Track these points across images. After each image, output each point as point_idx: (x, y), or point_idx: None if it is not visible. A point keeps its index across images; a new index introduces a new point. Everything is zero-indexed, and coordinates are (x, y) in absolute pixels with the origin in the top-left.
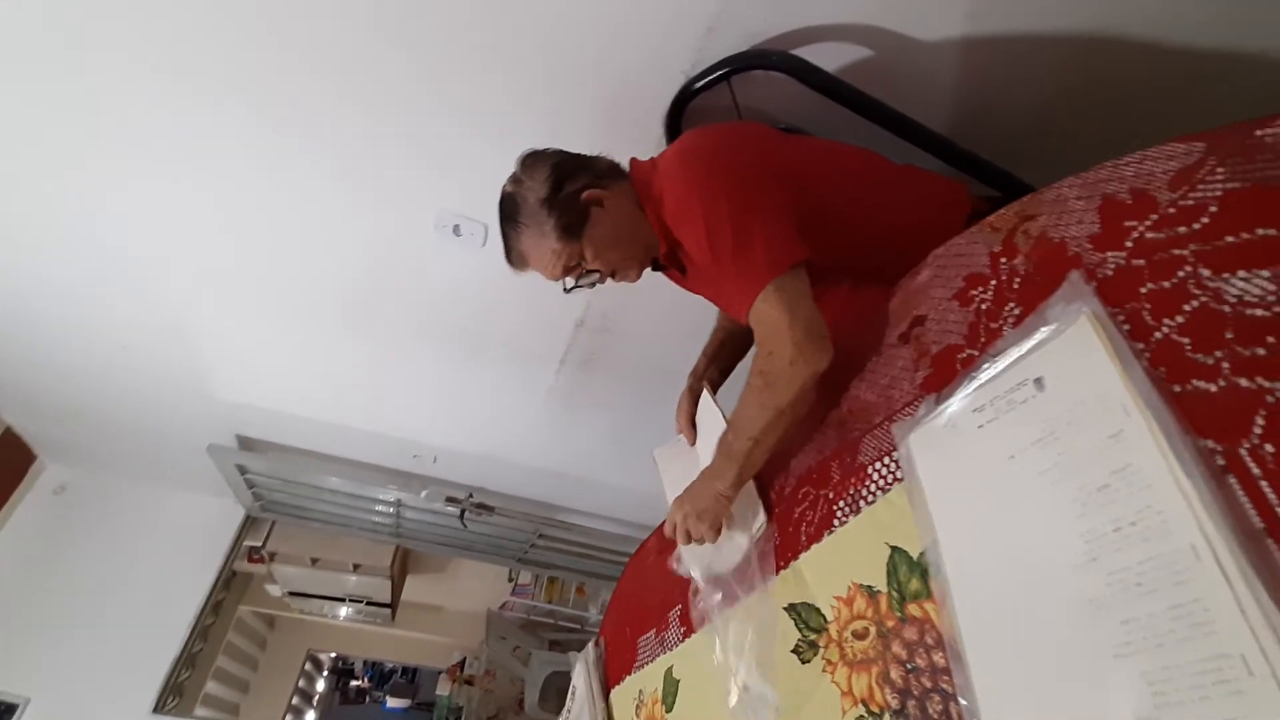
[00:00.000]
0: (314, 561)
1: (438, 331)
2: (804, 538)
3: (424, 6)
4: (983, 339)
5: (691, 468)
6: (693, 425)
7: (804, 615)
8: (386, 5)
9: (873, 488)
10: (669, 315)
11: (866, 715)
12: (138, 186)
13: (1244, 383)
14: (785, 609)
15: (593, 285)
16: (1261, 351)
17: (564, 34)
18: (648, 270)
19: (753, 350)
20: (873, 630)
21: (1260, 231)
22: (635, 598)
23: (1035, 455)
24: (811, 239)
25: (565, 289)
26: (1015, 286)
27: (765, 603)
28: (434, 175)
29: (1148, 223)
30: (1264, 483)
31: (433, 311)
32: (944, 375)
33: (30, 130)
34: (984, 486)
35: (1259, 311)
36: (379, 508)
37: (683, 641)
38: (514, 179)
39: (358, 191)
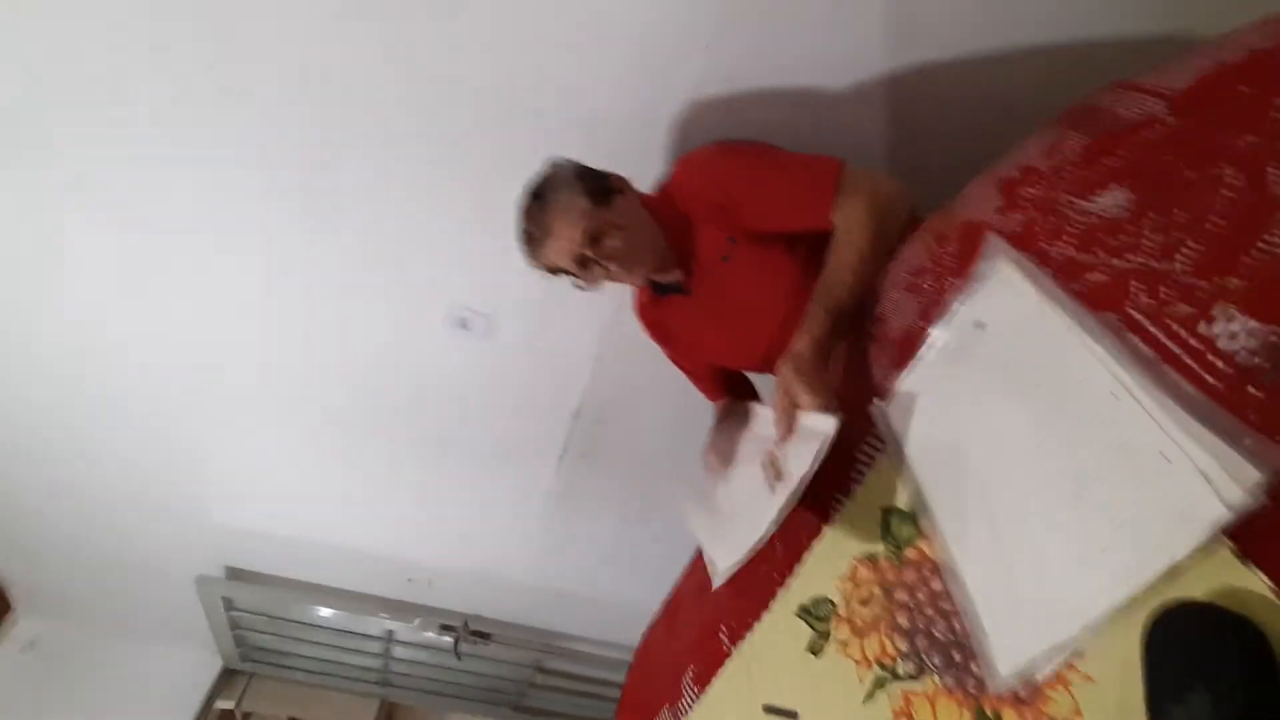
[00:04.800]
0: None
1: (436, 434)
2: (805, 538)
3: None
4: (934, 313)
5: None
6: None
7: (814, 610)
8: (424, 114)
9: (861, 468)
10: (662, 402)
11: (882, 672)
12: (133, 288)
13: (1117, 262)
14: (796, 614)
15: (611, 262)
16: (1124, 237)
17: (567, 131)
18: (637, 346)
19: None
20: (877, 591)
21: (1105, 162)
22: (643, 689)
23: (986, 378)
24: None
25: (577, 284)
26: (951, 264)
27: (777, 619)
28: (445, 271)
29: (1033, 186)
30: (1148, 323)
31: (436, 412)
32: (908, 352)
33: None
34: (950, 421)
35: (1117, 213)
36: (367, 647)
37: (698, 700)
38: (542, 173)
39: (374, 287)
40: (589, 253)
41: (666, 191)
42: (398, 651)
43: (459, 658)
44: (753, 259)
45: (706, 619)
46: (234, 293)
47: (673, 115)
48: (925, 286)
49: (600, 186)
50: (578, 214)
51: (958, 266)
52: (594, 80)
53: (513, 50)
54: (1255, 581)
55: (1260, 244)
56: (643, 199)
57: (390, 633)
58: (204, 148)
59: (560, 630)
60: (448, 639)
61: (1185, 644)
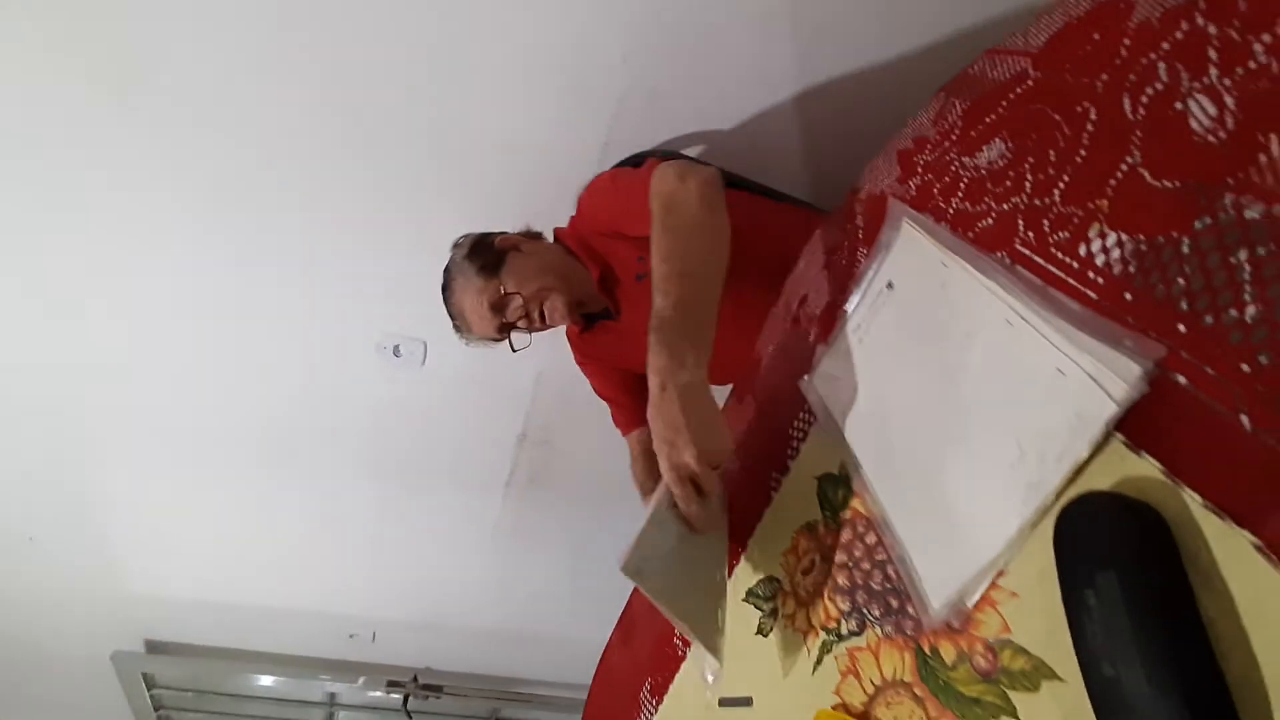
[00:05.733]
0: None
1: (376, 471)
2: (751, 525)
3: (370, 137)
4: (850, 285)
5: None
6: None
7: (760, 592)
8: (347, 140)
9: (795, 444)
10: (604, 421)
11: (827, 636)
12: (36, 323)
13: (1005, 207)
14: (744, 600)
15: (527, 319)
16: (1008, 183)
17: (496, 155)
18: (576, 379)
19: None
20: (817, 558)
21: (984, 120)
22: (602, 713)
23: (898, 335)
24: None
25: (511, 346)
26: (861, 236)
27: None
28: (374, 297)
29: (926, 152)
30: (1035, 256)
31: (372, 447)
32: (830, 326)
33: None
34: (869, 380)
35: (1000, 163)
36: (307, 715)
37: (656, 711)
38: (448, 260)
39: (298, 320)
40: (503, 321)
41: (575, 223)
42: (342, 716)
43: (409, 715)
44: None
45: (660, 628)
46: (146, 328)
47: (599, 131)
48: (841, 262)
49: (490, 259)
50: (475, 293)
51: (867, 237)
52: (518, 103)
53: (438, 79)
54: (1147, 467)
55: (1122, 165)
56: (559, 234)
57: (333, 696)
58: (117, 173)
59: (517, 675)
60: (396, 696)
61: (1090, 532)
